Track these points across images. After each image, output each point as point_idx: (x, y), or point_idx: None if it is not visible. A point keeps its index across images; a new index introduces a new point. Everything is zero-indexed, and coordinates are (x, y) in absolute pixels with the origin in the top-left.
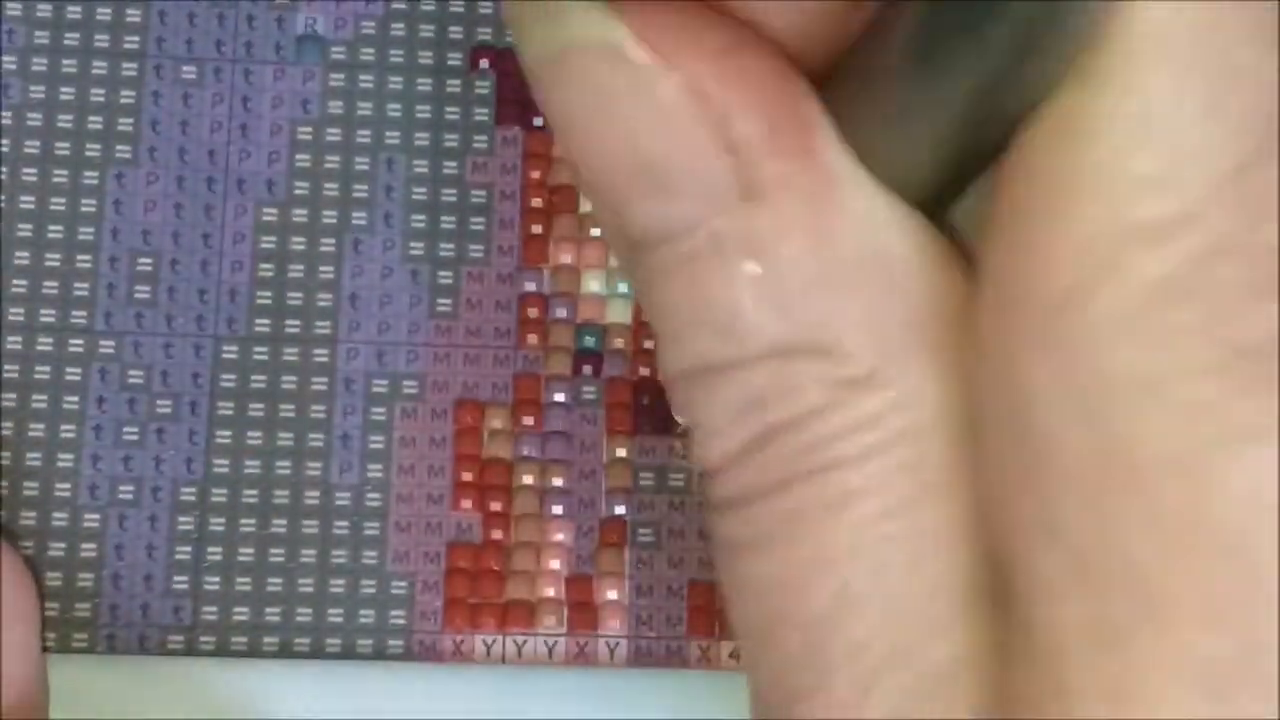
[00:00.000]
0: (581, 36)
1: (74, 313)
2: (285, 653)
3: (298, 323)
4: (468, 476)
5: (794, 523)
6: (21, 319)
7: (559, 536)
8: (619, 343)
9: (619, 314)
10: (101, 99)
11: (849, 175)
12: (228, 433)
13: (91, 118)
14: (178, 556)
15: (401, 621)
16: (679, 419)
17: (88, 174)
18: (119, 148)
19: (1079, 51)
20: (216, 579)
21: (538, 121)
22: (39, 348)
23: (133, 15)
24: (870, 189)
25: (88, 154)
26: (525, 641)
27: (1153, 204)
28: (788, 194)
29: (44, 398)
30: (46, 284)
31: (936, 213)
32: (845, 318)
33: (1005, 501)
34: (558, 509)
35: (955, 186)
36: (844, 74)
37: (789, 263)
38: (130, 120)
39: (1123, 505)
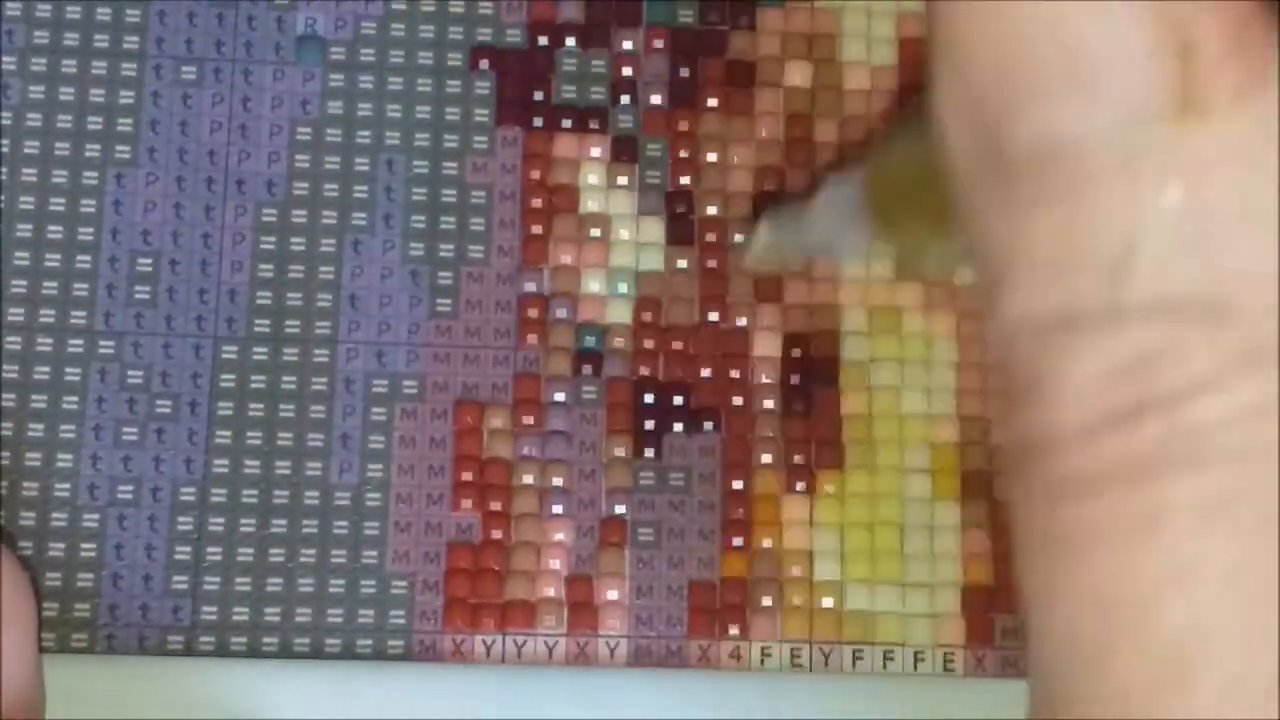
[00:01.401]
0: None
1: (74, 313)
2: (285, 653)
3: (297, 323)
4: (468, 476)
5: (1158, 519)
6: (21, 319)
7: (559, 536)
8: (619, 343)
9: (619, 314)
10: (101, 99)
11: None
12: (227, 433)
13: (91, 118)
14: (177, 556)
15: (401, 621)
16: (1008, 384)
17: (87, 174)
18: (118, 148)
19: None
20: (216, 579)
21: (537, 122)
22: (38, 348)
23: (132, 15)
24: None
25: (87, 154)
26: (525, 641)
27: None
28: (1237, 117)
29: (43, 398)
30: (46, 284)
31: None
32: (1253, 270)
33: None
34: (558, 509)
35: None
36: None
37: (1218, 194)
38: (130, 120)
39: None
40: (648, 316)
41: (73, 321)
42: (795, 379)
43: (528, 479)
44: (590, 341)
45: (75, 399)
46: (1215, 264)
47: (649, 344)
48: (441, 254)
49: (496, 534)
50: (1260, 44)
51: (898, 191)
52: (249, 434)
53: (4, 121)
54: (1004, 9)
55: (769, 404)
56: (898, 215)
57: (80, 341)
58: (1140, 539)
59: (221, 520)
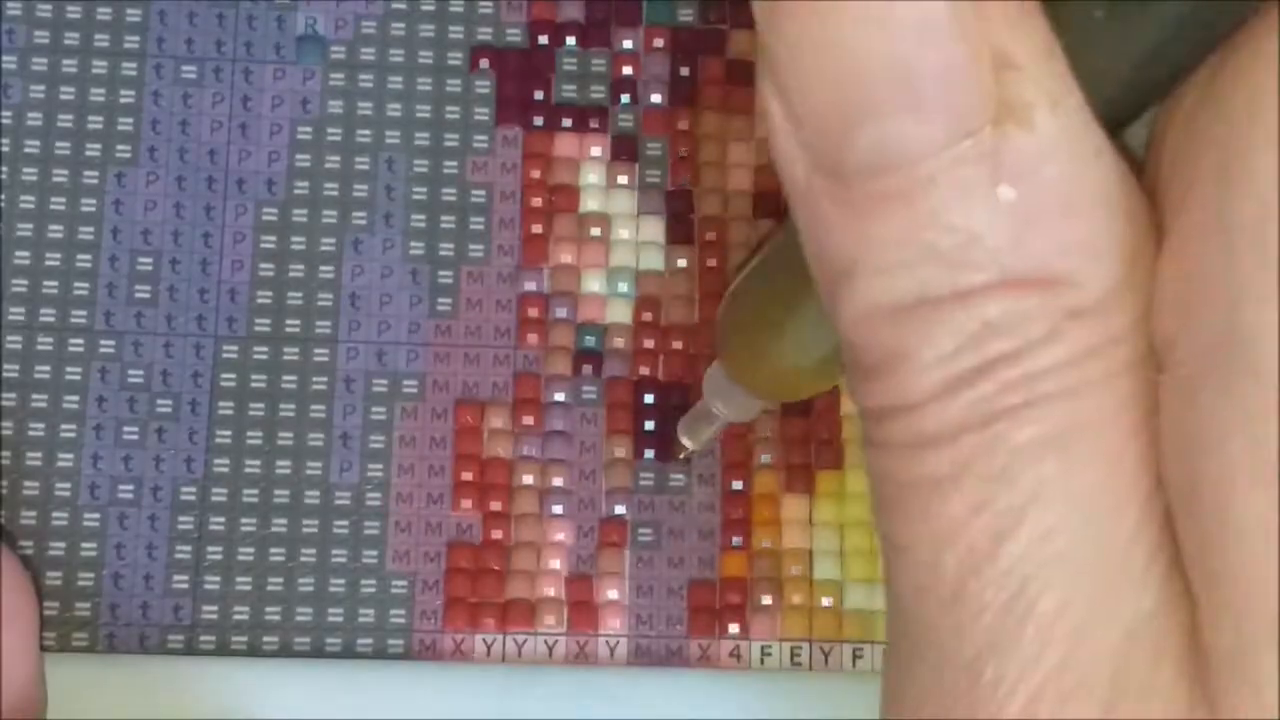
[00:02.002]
0: None
1: (74, 312)
2: (285, 652)
3: (298, 322)
4: (468, 476)
5: (995, 458)
6: (22, 318)
7: (559, 536)
8: (619, 342)
9: (619, 314)
10: (101, 98)
11: (1085, 102)
12: (228, 432)
13: (91, 117)
14: (178, 556)
15: (401, 621)
16: (860, 360)
17: (88, 173)
18: (119, 147)
19: None
20: (216, 578)
21: (537, 121)
22: (39, 347)
23: (133, 15)
24: (1094, 120)
25: (88, 153)
26: (525, 641)
27: None
28: (1056, 116)
29: (44, 397)
30: (47, 283)
31: (1116, 134)
32: (1079, 246)
33: (1211, 442)
34: (558, 509)
35: (1133, 114)
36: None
37: (1046, 186)
38: (130, 120)
39: None
40: (648, 316)
41: (73, 320)
42: None
43: (528, 479)
44: (590, 341)
45: (76, 398)
46: (1046, 248)
47: (649, 344)
48: (442, 253)
49: (497, 534)
50: (1057, 48)
51: (751, 325)
52: (249, 433)
53: (4, 120)
54: (833, 35)
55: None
56: (759, 348)
57: (81, 340)
58: (989, 478)
59: (222, 519)
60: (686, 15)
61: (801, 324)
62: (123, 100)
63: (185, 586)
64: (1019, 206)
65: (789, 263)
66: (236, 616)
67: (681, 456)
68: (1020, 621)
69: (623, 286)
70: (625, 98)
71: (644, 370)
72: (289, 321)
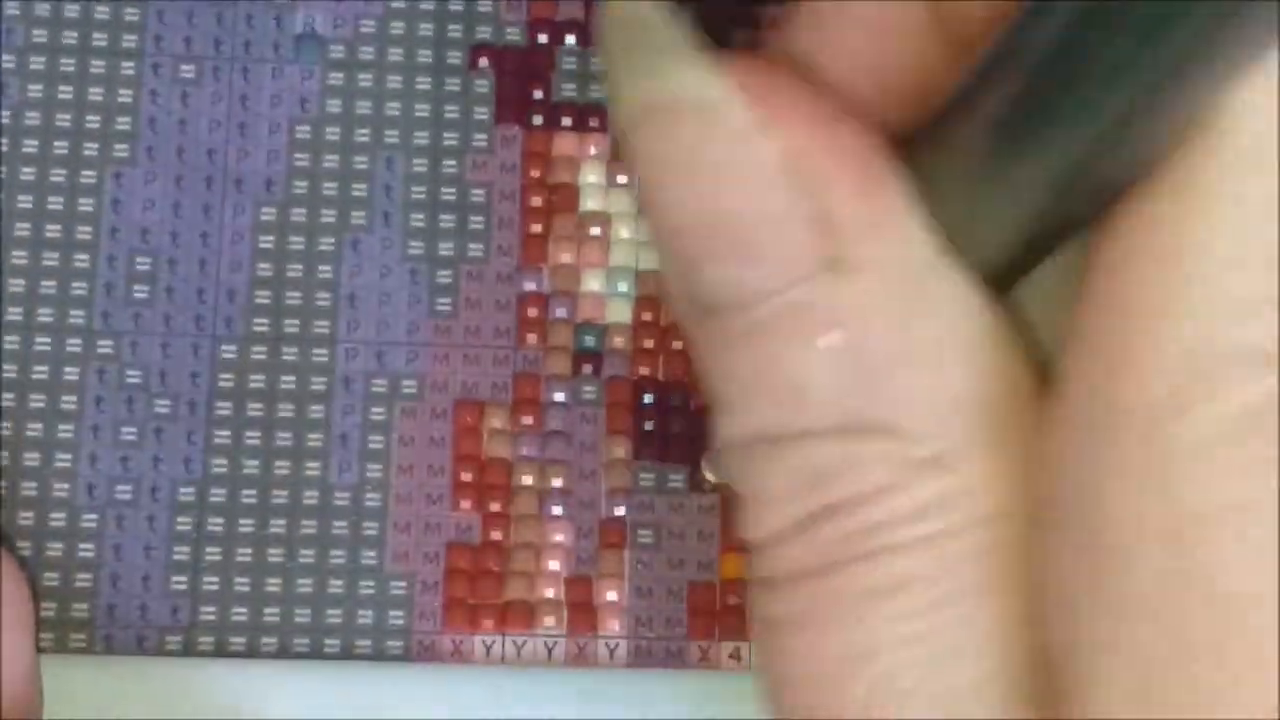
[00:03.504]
0: (683, 92)
1: (72, 312)
2: (284, 653)
3: (296, 322)
4: (467, 476)
5: (839, 606)
6: (19, 318)
7: (558, 537)
8: (619, 342)
9: (619, 313)
10: (99, 98)
11: (935, 257)
12: (226, 433)
13: (89, 117)
14: (176, 557)
15: (400, 622)
16: (732, 485)
17: (86, 173)
18: (117, 147)
19: (1178, 137)
20: (215, 579)
21: (537, 120)
22: (37, 347)
23: (131, 14)
24: (953, 272)
25: (86, 153)
26: (524, 642)
27: (1253, 327)
28: (874, 271)
29: (42, 397)
30: (44, 283)
31: (1006, 288)
32: (920, 398)
33: (1067, 609)
34: (557, 510)
35: (1030, 263)
36: (928, 144)
37: (868, 339)
38: (128, 119)
39: (1197, 633)
40: (648, 316)
41: (71, 321)
42: None
43: (527, 479)
44: (590, 341)
45: (73, 398)
46: (880, 395)
47: (649, 343)
48: (441, 253)
49: (496, 535)
50: (889, 205)
51: None
52: (248, 434)
53: (2, 120)
54: (676, 190)
55: None
56: None
57: (78, 341)
58: (825, 625)
59: (220, 520)
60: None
61: None
62: (121, 99)
63: (183, 587)
64: (847, 356)
65: None
66: (235, 617)
67: (707, 489)
68: None
69: (623, 286)
70: None
71: (644, 370)
72: (287, 322)
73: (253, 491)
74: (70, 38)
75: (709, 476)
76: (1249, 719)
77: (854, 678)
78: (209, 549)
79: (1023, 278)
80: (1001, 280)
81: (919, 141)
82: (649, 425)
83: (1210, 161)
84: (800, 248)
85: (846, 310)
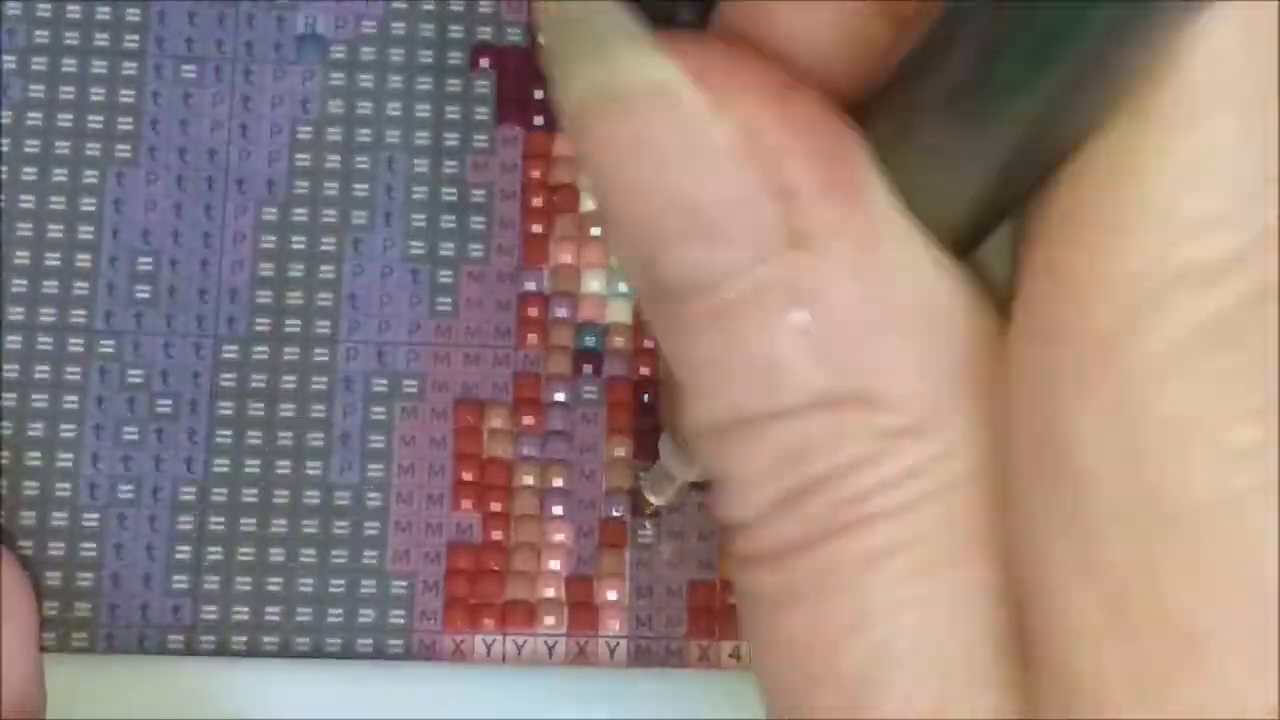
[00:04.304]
0: (630, 76)
1: (74, 312)
2: (285, 652)
3: (298, 322)
4: (468, 476)
5: (829, 577)
6: (21, 318)
7: (559, 537)
8: (619, 342)
9: (619, 313)
10: (101, 98)
11: (898, 222)
12: (228, 432)
13: (91, 117)
14: (177, 556)
15: (401, 621)
16: (705, 473)
17: (88, 173)
18: (119, 147)
19: (1130, 88)
20: (216, 578)
21: (538, 121)
22: (39, 347)
23: (132, 14)
24: (917, 236)
25: (88, 153)
26: (525, 641)
27: (1206, 244)
28: (839, 240)
29: (44, 397)
30: (46, 283)
31: (968, 251)
32: (892, 366)
33: (1038, 543)
34: (558, 509)
35: (991, 224)
36: (880, 113)
37: (838, 310)
38: (130, 119)
39: (1163, 549)
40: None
41: (73, 320)
42: None
43: (528, 479)
44: (590, 341)
45: (75, 398)
46: (852, 365)
47: (649, 343)
48: (442, 253)
49: (497, 534)
50: (849, 172)
51: None
52: (249, 433)
53: (4, 120)
54: (630, 177)
55: None
56: None
57: (80, 340)
58: (814, 597)
59: (222, 519)
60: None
61: None
62: (122, 100)
63: (185, 587)
64: (816, 329)
65: None
66: (236, 617)
67: (649, 512)
68: (864, 710)
69: (623, 286)
70: None
71: (644, 370)
72: (289, 321)
73: (254, 491)
74: (72, 38)
75: (652, 500)
76: (1219, 633)
77: (847, 648)
78: (210, 548)
79: (985, 239)
80: (962, 245)
81: (872, 111)
82: (649, 425)
83: (1164, 87)
84: (763, 224)
85: (812, 283)
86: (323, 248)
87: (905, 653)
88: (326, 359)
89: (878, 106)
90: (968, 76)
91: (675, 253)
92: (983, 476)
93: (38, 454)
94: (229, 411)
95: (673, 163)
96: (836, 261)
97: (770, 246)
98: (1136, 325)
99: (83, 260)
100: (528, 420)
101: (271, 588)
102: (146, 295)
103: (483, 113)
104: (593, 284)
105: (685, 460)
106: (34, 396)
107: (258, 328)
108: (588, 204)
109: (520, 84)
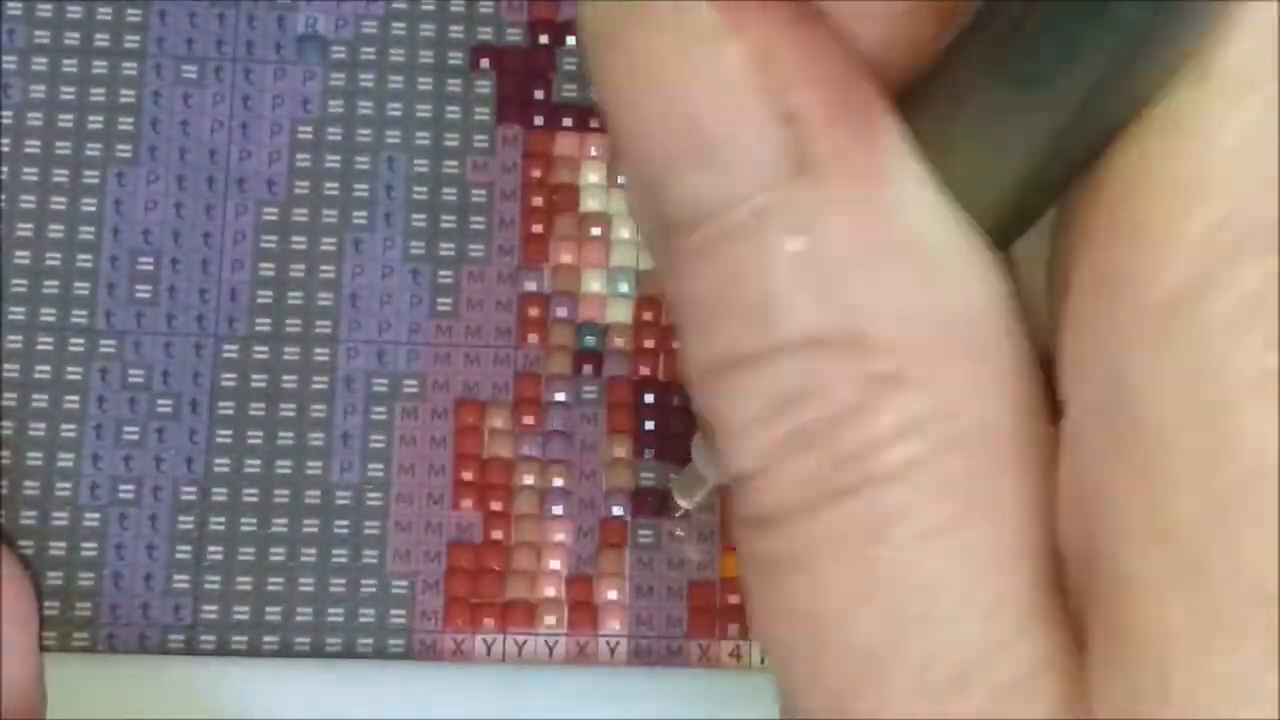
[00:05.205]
0: None
1: (74, 312)
2: (285, 652)
3: (298, 322)
4: (468, 476)
5: (836, 543)
6: (22, 318)
7: (559, 536)
8: (619, 342)
9: (620, 313)
10: (102, 98)
11: (903, 159)
12: (228, 432)
13: (92, 117)
14: (178, 556)
15: (402, 621)
16: (703, 424)
17: (88, 173)
18: (119, 147)
19: (1188, 56)
20: (217, 578)
21: (538, 121)
22: (39, 347)
23: (133, 15)
24: (922, 178)
25: (88, 153)
26: (525, 641)
27: (1269, 203)
28: (840, 168)
29: (44, 397)
30: (47, 283)
31: (1011, 237)
32: (880, 305)
33: (1105, 500)
34: (558, 509)
35: (1037, 206)
36: (934, 87)
37: (832, 241)
38: (131, 119)
39: (1237, 506)
40: (648, 315)
41: (74, 320)
42: None
43: (528, 479)
44: (591, 341)
45: (76, 398)
46: (844, 302)
47: (649, 343)
48: (442, 253)
49: (497, 534)
50: (857, 103)
51: None
52: (250, 433)
53: (5, 120)
54: (642, 99)
55: None
56: None
57: (81, 340)
58: (823, 563)
59: (222, 519)
60: None
61: None
62: (123, 100)
63: (186, 586)
64: (810, 260)
65: None
66: (237, 616)
67: (678, 515)
68: (878, 677)
69: (623, 286)
70: None
71: (644, 370)
72: (289, 321)
73: (255, 490)
74: (73, 38)
75: (681, 503)
76: None
77: (859, 614)
78: (211, 548)
79: (1030, 224)
80: (1007, 229)
81: (924, 88)
82: (649, 425)
83: (1224, 51)
84: (767, 151)
85: (810, 211)
86: (323, 248)
87: (922, 616)
88: (327, 359)
89: (931, 81)
90: (1031, 30)
91: (681, 179)
92: (986, 440)
93: (38, 454)
94: (229, 411)
95: (682, 84)
96: (835, 189)
97: (773, 174)
98: (1210, 282)
99: (83, 260)
100: (528, 420)
101: (272, 587)
102: (147, 295)
103: (483, 113)
104: (593, 284)
105: (717, 463)
106: (35, 396)
107: (258, 327)
108: (588, 204)
109: (520, 84)
